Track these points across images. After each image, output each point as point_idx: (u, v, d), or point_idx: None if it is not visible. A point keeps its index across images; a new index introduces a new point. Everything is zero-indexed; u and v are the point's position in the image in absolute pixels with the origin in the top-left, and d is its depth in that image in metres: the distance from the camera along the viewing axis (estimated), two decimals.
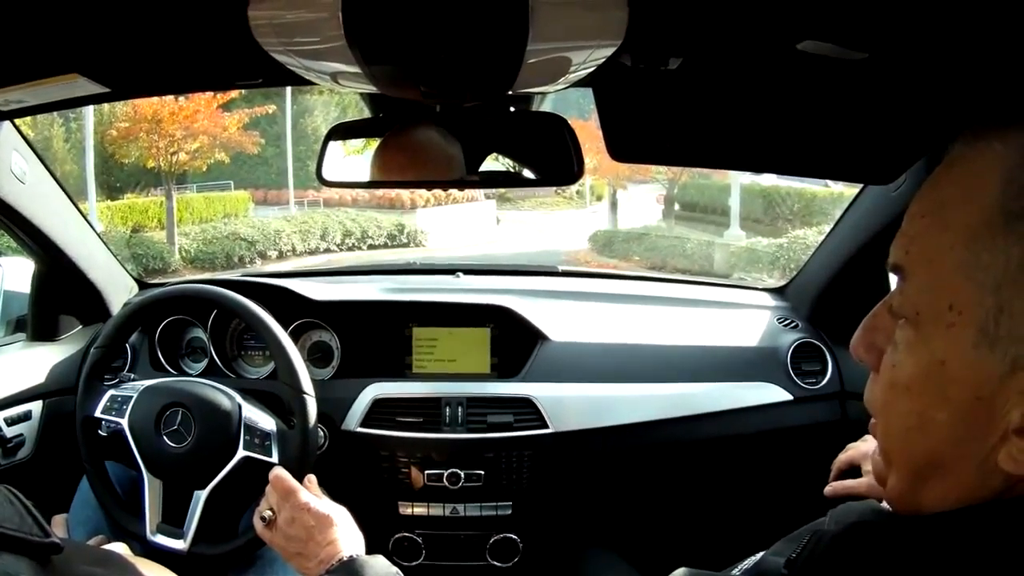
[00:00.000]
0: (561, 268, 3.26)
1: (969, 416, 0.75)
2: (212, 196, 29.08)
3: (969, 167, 0.78)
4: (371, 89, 1.43)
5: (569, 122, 1.90)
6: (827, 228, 2.78)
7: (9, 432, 2.40)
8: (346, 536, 1.69)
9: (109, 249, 2.88)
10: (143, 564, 1.24)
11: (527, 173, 2.02)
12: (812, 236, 16.85)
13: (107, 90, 1.71)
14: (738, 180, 22.36)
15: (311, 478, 1.89)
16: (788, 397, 2.56)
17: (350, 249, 25.56)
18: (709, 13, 1.20)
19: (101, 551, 1.28)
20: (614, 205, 30.79)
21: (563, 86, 1.46)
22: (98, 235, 2.81)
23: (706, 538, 2.56)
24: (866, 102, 1.42)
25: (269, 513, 1.75)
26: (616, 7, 1.08)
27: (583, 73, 1.36)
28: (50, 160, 2.33)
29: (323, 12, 1.07)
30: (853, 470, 1.68)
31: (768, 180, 22.25)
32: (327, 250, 25.06)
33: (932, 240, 0.79)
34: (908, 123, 1.45)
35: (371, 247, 26.05)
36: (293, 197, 30.80)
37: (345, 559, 1.59)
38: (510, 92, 1.44)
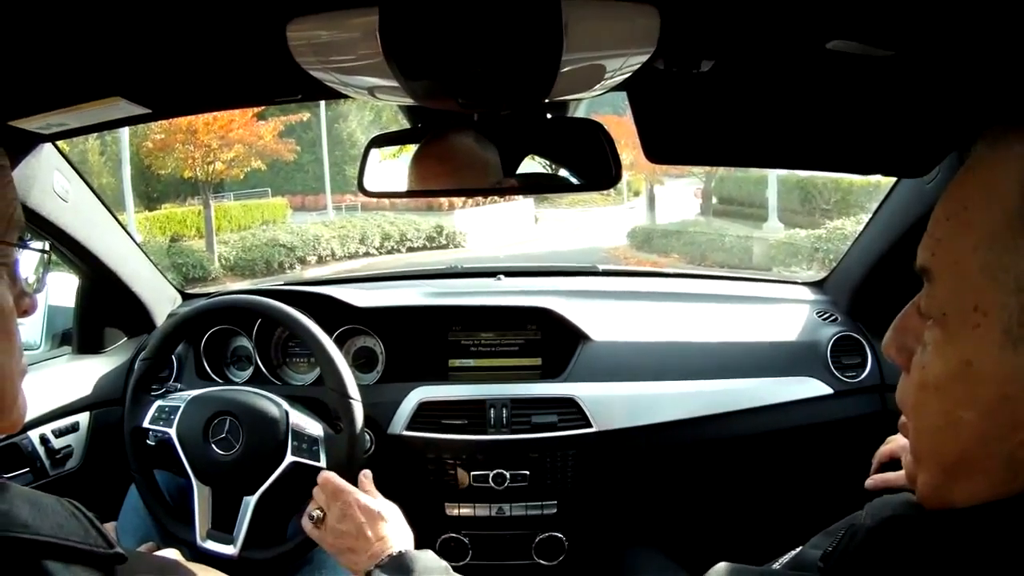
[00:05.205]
0: (601, 267, 3.26)
1: (996, 414, 0.76)
2: (250, 204, 29.26)
3: (989, 169, 0.79)
4: (408, 101, 1.45)
5: (605, 122, 1.91)
6: (865, 218, 2.78)
7: (57, 444, 2.44)
8: (396, 532, 1.72)
9: (151, 261, 2.92)
10: (202, 570, 1.26)
11: (565, 178, 2.03)
12: (850, 226, 16.71)
13: (148, 111, 1.74)
14: (774, 172, 22.21)
15: (367, 473, 1.92)
16: (828, 391, 2.56)
17: (389, 252, 25.60)
18: (739, 17, 1.21)
19: (162, 559, 1.30)
20: (651, 201, 30.65)
21: (599, 92, 1.47)
22: (141, 248, 2.85)
23: (749, 533, 2.54)
24: (896, 98, 1.43)
25: (318, 512, 1.79)
26: (648, 16, 1.09)
27: (618, 80, 1.37)
28: (86, 173, 2.32)
29: (361, 31, 1.09)
30: (894, 462, 1.68)
31: (804, 171, 22.12)
32: (366, 254, 25.10)
33: (956, 242, 0.80)
34: (939, 117, 1.45)
35: (410, 249, 26.10)
36: (331, 202, 30.88)
37: (394, 554, 1.62)
38: (546, 100, 1.46)
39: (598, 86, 1.40)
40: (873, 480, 1.65)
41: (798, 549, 1.07)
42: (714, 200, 28.76)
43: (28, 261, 1.03)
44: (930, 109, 1.44)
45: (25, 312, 1.01)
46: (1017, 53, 1.13)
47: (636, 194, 34.63)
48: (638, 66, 1.27)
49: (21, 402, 0.99)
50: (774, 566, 1.06)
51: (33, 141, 2.07)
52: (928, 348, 0.82)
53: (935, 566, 0.77)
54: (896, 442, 1.69)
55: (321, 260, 23.96)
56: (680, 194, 29.95)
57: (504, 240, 26.40)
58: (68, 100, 1.65)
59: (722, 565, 0.97)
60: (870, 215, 2.68)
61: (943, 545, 0.79)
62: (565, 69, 1.20)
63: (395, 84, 1.25)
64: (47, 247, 1.08)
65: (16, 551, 0.83)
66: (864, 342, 2.64)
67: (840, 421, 2.56)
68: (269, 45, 1.18)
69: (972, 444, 0.79)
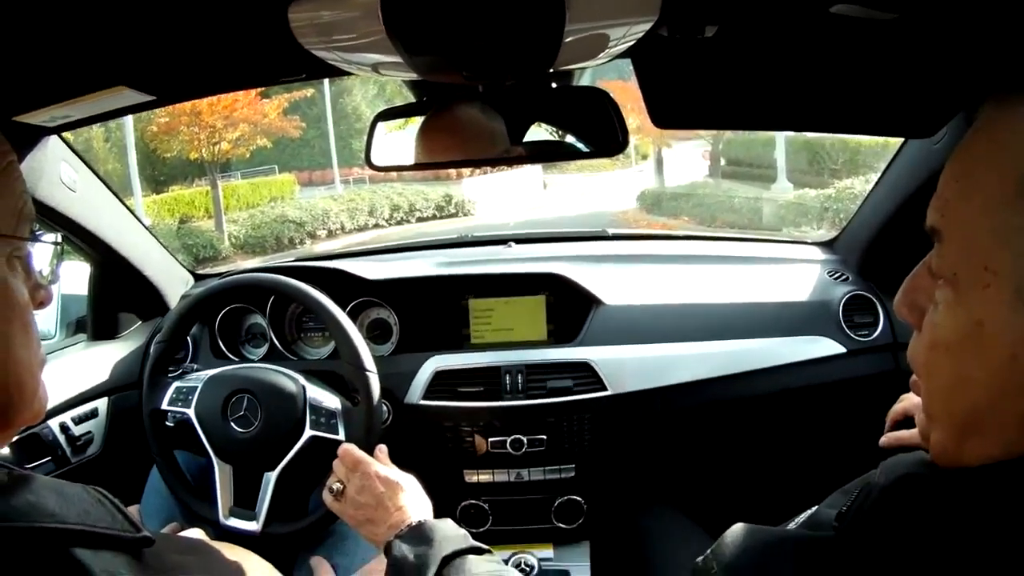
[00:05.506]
0: (611, 231, 3.26)
1: (1007, 374, 0.76)
2: (257, 181, 29.34)
3: (998, 131, 0.79)
4: (413, 76, 1.46)
5: (611, 88, 1.91)
6: (874, 177, 2.77)
7: (77, 430, 2.45)
8: (414, 502, 1.73)
9: (162, 244, 2.93)
10: (227, 548, 1.28)
11: (572, 146, 2.02)
12: (859, 185, 16.66)
13: (153, 98, 1.75)
14: (782, 134, 22.10)
15: (383, 448, 1.93)
16: (841, 350, 2.57)
17: (399, 223, 25.66)
18: None
19: (188, 540, 1.31)
20: (660, 164, 30.57)
21: (604, 60, 1.47)
22: (151, 232, 2.87)
23: (765, 492, 2.56)
24: (900, 60, 1.42)
25: (338, 485, 1.79)
26: None
27: (623, 48, 1.37)
28: (92, 161, 2.33)
29: (362, 9, 1.10)
30: (908, 420, 1.68)
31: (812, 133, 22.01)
32: (376, 226, 25.16)
33: (965, 203, 0.80)
34: (944, 78, 1.45)
35: (420, 220, 26.17)
36: (338, 176, 30.90)
37: (414, 523, 1.62)
38: (551, 70, 1.46)
39: (602, 55, 1.41)
40: (887, 438, 1.65)
41: (814, 508, 1.08)
42: (722, 162, 28.68)
43: (41, 253, 1.05)
44: (935, 71, 1.44)
45: (41, 304, 1.02)
46: (1021, 15, 1.13)
47: (644, 158, 34.53)
48: (642, 34, 1.28)
49: (42, 393, 1.00)
50: (790, 525, 1.07)
51: (39, 134, 2.07)
52: (939, 307, 0.83)
53: (947, 524, 0.78)
54: (909, 400, 1.69)
55: (331, 234, 24.02)
56: (688, 156, 29.85)
57: (513, 207, 26.33)
58: (72, 92, 1.65)
59: (738, 526, 0.97)
60: (879, 175, 2.67)
61: (955, 504, 0.79)
62: (569, 39, 1.20)
63: (399, 60, 1.26)
64: (59, 239, 1.09)
65: (45, 540, 0.85)
66: (876, 301, 2.64)
67: (853, 380, 2.56)
68: (271, 27, 1.19)
69: (983, 402, 0.79)
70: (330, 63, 1.38)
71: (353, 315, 2.66)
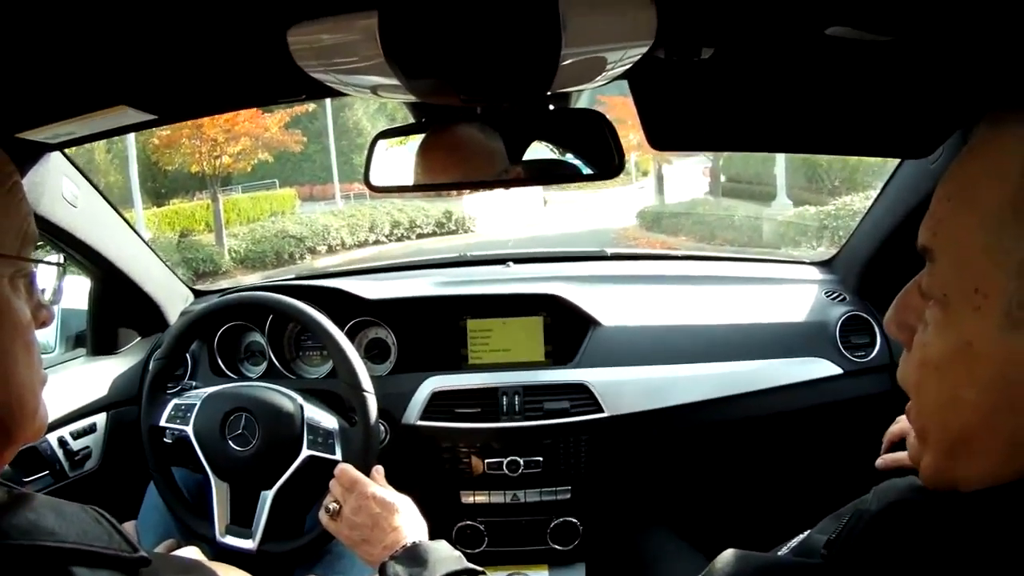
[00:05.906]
0: (610, 251, 3.26)
1: (997, 395, 0.76)
2: (258, 196, 29.29)
3: (991, 151, 0.79)
4: (411, 98, 1.47)
5: (611, 103, 1.94)
6: (873, 194, 2.77)
7: (75, 445, 2.46)
8: (410, 523, 1.73)
9: (162, 260, 2.94)
10: (223, 568, 1.28)
11: (569, 169, 2.02)
12: (858, 203, 16.61)
13: (154, 117, 1.76)
14: None
15: (379, 468, 1.94)
16: (838, 371, 2.56)
17: (399, 239, 25.62)
18: (737, 5, 1.22)
19: (184, 560, 1.32)
20: (660, 180, 30.58)
21: (601, 83, 1.47)
22: (151, 248, 2.88)
23: (762, 514, 2.56)
24: (896, 81, 1.43)
25: (335, 505, 1.79)
26: (643, 9, 1.10)
27: (619, 71, 1.37)
28: (94, 172, 2.36)
29: (361, 33, 1.11)
30: (905, 441, 1.68)
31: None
32: (376, 242, 25.11)
33: (957, 223, 0.80)
34: (940, 98, 1.45)
35: (420, 236, 26.13)
36: (339, 191, 30.91)
37: (408, 544, 1.63)
38: (548, 92, 1.47)
39: (599, 78, 1.41)
40: (883, 460, 1.65)
41: (806, 533, 1.08)
42: (722, 179, 28.66)
43: (44, 273, 1.05)
44: (931, 91, 1.44)
45: (43, 324, 1.02)
46: (1017, 35, 1.14)
47: (644, 174, 34.59)
48: (638, 57, 1.28)
49: (42, 411, 1.00)
50: (782, 550, 1.07)
51: (41, 150, 2.08)
52: (929, 328, 0.83)
53: (938, 552, 0.77)
54: (906, 421, 1.69)
55: (331, 250, 23.98)
56: (688, 173, 29.84)
57: (514, 224, 26.34)
58: (74, 111, 1.66)
59: (729, 552, 0.97)
60: (877, 192, 2.67)
61: (945, 531, 0.79)
62: (565, 63, 1.21)
63: (397, 83, 1.26)
64: (62, 259, 1.10)
65: (44, 559, 0.85)
66: (872, 321, 2.63)
67: (850, 401, 2.56)
68: (271, 50, 1.19)
69: (973, 422, 0.79)
70: (329, 85, 1.39)
71: (351, 334, 2.67)
